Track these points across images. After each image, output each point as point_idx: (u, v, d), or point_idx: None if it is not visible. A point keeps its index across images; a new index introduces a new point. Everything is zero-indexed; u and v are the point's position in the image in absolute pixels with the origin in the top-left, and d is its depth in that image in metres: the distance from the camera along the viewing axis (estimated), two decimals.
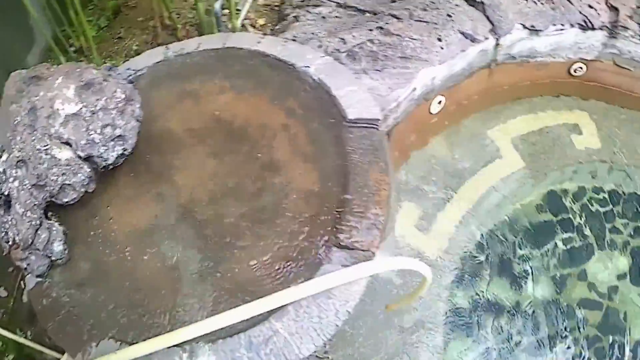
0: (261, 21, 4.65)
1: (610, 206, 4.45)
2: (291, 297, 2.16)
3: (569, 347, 3.92)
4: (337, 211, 2.50)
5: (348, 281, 2.19)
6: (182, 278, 2.42)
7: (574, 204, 4.36)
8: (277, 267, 2.33)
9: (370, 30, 3.81)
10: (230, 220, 2.52)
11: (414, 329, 3.55)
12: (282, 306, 2.20)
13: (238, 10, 4.33)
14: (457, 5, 3.93)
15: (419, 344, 3.51)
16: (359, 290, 2.30)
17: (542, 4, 4.14)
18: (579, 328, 3.98)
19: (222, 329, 2.12)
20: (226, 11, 4.05)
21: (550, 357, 3.87)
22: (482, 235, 4.02)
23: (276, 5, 4.41)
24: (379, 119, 2.79)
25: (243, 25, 4.03)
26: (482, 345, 3.64)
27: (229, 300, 2.08)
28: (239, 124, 2.86)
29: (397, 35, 3.76)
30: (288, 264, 2.36)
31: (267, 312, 2.16)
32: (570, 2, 4.23)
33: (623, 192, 4.60)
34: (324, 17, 4.07)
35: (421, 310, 3.60)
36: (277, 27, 4.27)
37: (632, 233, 4.43)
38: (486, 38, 3.81)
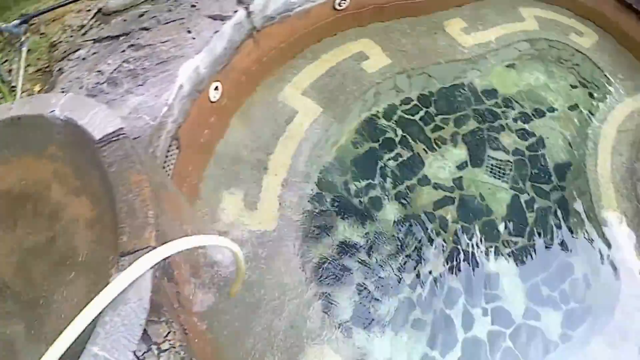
0: (37, 87, 4.71)
1: (424, 109, 4.72)
2: (86, 318, 2.27)
3: (439, 249, 4.12)
4: (113, 225, 2.63)
5: (135, 278, 2.31)
6: (18, 349, 2.52)
7: (388, 122, 4.55)
8: (89, 296, 2.44)
9: (123, 51, 3.94)
10: (39, 278, 2.62)
11: (283, 304, 3.63)
12: (91, 329, 2.30)
13: (13, 87, 4.38)
14: None
15: (296, 316, 3.59)
16: (146, 284, 2.43)
17: None
18: (442, 228, 4.22)
19: None
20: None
21: (426, 266, 4.06)
22: (311, 189, 4.10)
23: (46, 67, 4.47)
24: (122, 128, 2.93)
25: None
26: (355, 286, 3.76)
27: None
28: (18, 190, 2.96)
29: (149, 45, 3.88)
30: (94, 289, 2.47)
31: (83, 340, 2.27)
32: None
33: (430, 92, 4.90)
34: (84, 59, 4.18)
35: (283, 284, 3.70)
36: (47, 87, 4.35)
37: (455, 123, 4.69)
38: (235, 11, 3.94)
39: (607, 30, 6.23)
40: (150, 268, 2.33)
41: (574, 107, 5.38)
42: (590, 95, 5.55)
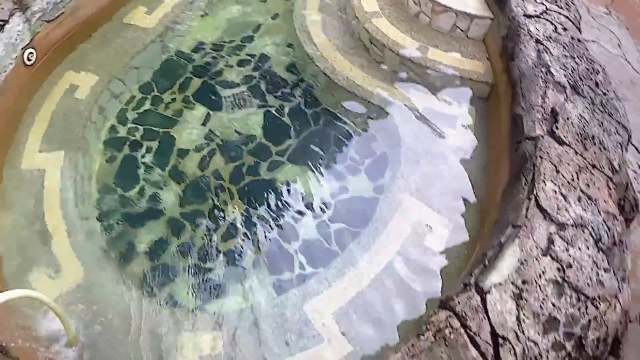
0: None
1: (149, 95, 5.37)
2: None
3: (228, 195, 4.63)
4: None
5: None
6: None
7: (126, 126, 5.08)
8: None
9: None
10: None
11: (133, 329, 3.87)
12: None
13: None
14: None
15: (150, 330, 3.87)
16: None
17: None
18: (220, 178, 4.74)
19: None
20: None
21: (229, 214, 4.52)
22: (96, 223, 4.45)
23: None
24: None
25: None
26: (185, 272, 4.22)
27: None
28: None
29: None
30: None
31: None
32: None
33: (147, 79, 5.50)
34: None
35: (122, 314, 3.93)
36: None
37: (182, 90, 5.36)
38: None
39: None
40: None
41: (275, 16, 6.08)
42: None
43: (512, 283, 3.01)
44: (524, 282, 2.98)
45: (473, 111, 4.94)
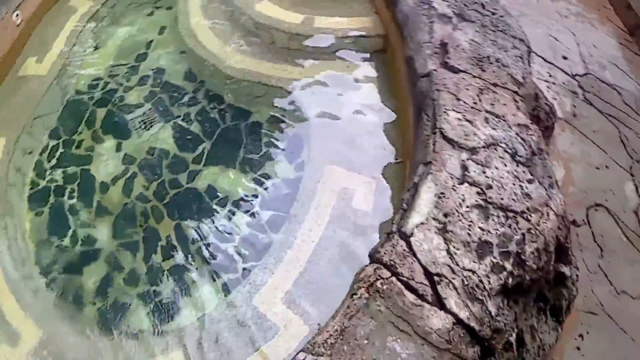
0: None
1: (61, 140, 5.27)
2: None
3: (160, 213, 4.62)
4: None
5: None
6: None
7: (45, 177, 5.06)
8: None
9: None
10: None
11: None
12: None
13: None
14: None
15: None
16: None
17: None
18: (145, 200, 4.72)
19: None
20: None
21: (162, 230, 4.51)
22: (39, 279, 4.45)
23: None
24: None
25: None
26: (137, 300, 4.18)
27: None
28: None
29: None
30: None
31: None
32: None
33: (54, 126, 5.47)
34: None
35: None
36: None
37: (88, 126, 5.33)
38: None
39: None
40: None
41: (162, 29, 6.06)
42: (168, 8, 6.26)
43: (434, 219, 2.96)
44: (445, 215, 2.94)
45: (373, 66, 4.98)
